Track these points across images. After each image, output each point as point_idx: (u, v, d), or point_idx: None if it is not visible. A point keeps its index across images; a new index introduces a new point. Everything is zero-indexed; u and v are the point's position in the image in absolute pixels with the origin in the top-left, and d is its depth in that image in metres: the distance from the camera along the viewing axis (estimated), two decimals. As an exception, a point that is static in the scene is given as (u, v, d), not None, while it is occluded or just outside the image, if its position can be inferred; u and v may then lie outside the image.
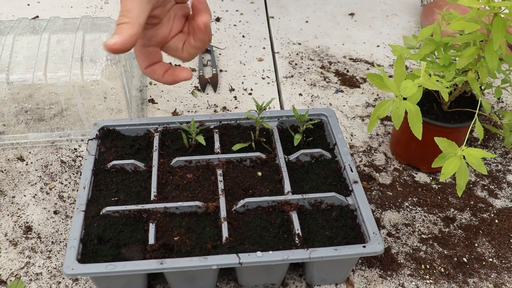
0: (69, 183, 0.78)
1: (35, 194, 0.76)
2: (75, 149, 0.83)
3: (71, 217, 0.73)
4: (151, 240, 0.60)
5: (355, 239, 0.61)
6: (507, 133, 0.80)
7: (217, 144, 0.72)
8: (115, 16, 1.11)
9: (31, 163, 0.80)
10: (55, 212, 0.73)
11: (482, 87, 0.78)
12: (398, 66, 0.67)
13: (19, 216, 0.73)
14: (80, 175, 0.79)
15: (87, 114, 0.85)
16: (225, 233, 0.60)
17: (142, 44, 0.71)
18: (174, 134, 0.74)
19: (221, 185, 0.66)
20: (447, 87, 0.69)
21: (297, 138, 0.72)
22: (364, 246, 0.59)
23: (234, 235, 0.61)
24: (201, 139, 0.71)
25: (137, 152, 0.73)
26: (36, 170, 0.79)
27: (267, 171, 0.69)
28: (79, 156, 0.82)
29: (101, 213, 0.63)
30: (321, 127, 0.76)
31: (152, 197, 0.65)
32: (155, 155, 0.70)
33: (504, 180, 0.81)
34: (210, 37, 0.68)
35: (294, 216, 0.62)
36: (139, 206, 0.63)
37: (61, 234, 0.71)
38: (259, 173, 0.69)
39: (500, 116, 0.88)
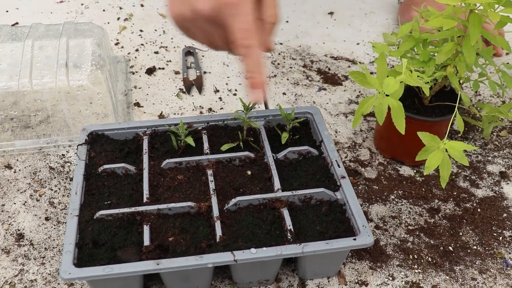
0: (59, 189, 0.78)
1: (25, 202, 0.76)
2: (63, 155, 0.83)
3: (63, 223, 0.73)
4: (146, 241, 0.61)
5: (345, 232, 0.63)
6: (485, 124, 0.83)
7: (206, 145, 0.73)
8: (96, 21, 1.12)
9: (19, 170, 0.81)
10: (47, 219, 0.74)
11: (461, 81, 0.80)
12: (380, 64, 0.69)
13: (10, 224, 0.73)
14: (70, 180, 0.79)
15: (73, 119, 0.85)
16: (218, 232, 0.61)
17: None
18: (163, 136, 0.75)
19: (212, 185, 0.67)
20: (428, 82, 0.72)
21: (284, 137, 0.74)
22: (354, 239, 0.60)
23: (227, 234, 0.62)
24: (190, 141, 0.72)
25: (127, 156, 0.73)
26: (25, 177, 0.79)
27: (257, 169, 0.71)
28: (68, 162, 0.82)
29: (94, 217, 0.64)
30: (306, 125, 0.78)
31: (145, 199, 0.66)
32: (145, 158, 0.71)
33: (484, 170, 0.83)
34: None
35: (286, 213, 0.64)
36: (132, 209, 0.64)
37: (54, 240, 0.71)
38: (249, 172, 0.70)
39: (479, 108, 0.91)
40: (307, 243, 0.60)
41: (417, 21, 0.82)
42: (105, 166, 0.70)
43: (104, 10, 1.17)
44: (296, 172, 0.71)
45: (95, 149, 0.73)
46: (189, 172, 0.70)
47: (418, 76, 0.70)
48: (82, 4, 1.18)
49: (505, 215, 0.77)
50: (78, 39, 0.88)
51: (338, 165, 0.69)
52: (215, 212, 0.63)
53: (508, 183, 0.81)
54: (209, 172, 0.69)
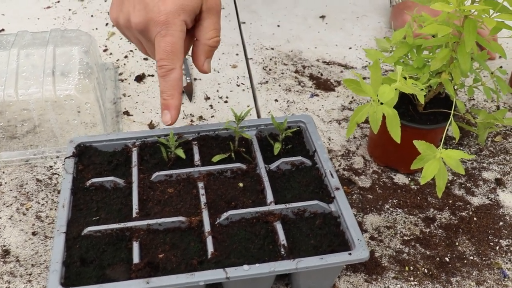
0: (46, 202, 0.76)
1: (11, 216, 0.74)
2: (50, 166, 0.81)
3: (51, 237, 0.71)
4: (136, 259, 0.59)
5: (340, 246, 0.62)
6: (481, 131, 0.82)
7: (196, 157, 0.71)
8: (83, 28, 1.10)
9: (5, 183, 0.78)
10: (34, 233, 0.72)
11: (455, 87, 0.79)
12: (374, 71, 0.68)
13: (-4, 239, 0.71)
14: (58, 193, 0.77)
15: (61, 129, 0.83)
16: (210, 248, 0.60)
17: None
18: (152, 148, 0.73)
19: (203, 199, 0.65)
20: (422, 89, 0.70)
21: (277, 147, 0.72)
22: (349, 253, 0.59)
23: (219, 249, 0.60)
24: (180, 153, 0.70)
25: (116, 168, 0.71)
26: (11, 190, 0.77)
27: (249, 181, 0.69)
28: (55, 174, 0.80)
29: (82, 234, 0.62)
30: (299, 134, 0.77)
31: (134, 214, 0.64)
32: (135, 170, 0.69)
33: (480, 178, 0.82)
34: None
35: (279, 227, 0.62)
36: (121, 225, 0.62)
37: (41, 256, 0.69)
38: (241, 184, 0.68)
39: (474, 114, 0.89)
40: (301, 258, 0.58)
41: (410, 26, 0.81)
42: (93, 180, 0.68)
43: (92, 16, 1.14)
44: (289, 184, 0.69)
45: (82, 162, 0.72)
46: (180, 185, 0.68)
47: (412, 83, 0.68)
48: (69, 10, 1.16)
49: (501, 223, 0.75)
50: (65, 47, 0.86)
51: (332, 176, 0.67)
52: (207, 227, 0.62)
53: (504, 190, 0.80)
54: (200, 184, 0.67)
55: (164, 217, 0.64)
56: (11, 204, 0.75)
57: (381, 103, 0.66)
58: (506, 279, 0.68)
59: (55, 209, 0.75)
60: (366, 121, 0.92)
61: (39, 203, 0.76)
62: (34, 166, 0.81)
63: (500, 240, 0.73)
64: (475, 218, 0.76)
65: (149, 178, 0.69)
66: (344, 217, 0.63)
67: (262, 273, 0.57)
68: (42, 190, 0.77)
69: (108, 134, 0.75)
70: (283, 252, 0.60)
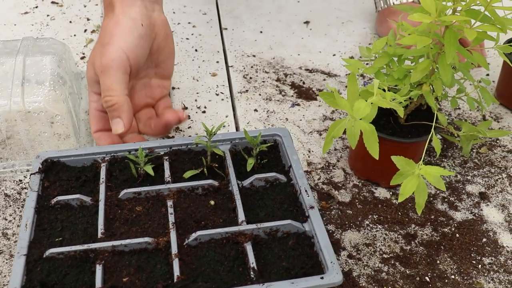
0: (14, 218, 0.73)
1: (-24, 233, 0.71)
2: (20, 180, 0.79)
3: (16, 257, 0.68)
4: (98, 283, 0.56)
5: (313, 268, 0.59)
6: (465, 143, 0.80)
7: (167, 173, 0.68)
8: (61, 34, 1.07)
9: (-28, 198, 0.76)
10: (-2, 252, 0.69)
11: (439, 98, 0.77)
12: (351, 84, 0.65)
13: (-41, 259, 0.68)
14: (25, 209, 0.74)
15: (32, 142, 0.81)
16: (176, 271, 0.57)
17: (96, 107, 0.73)
18: (122, 163, 0.71)
19: (171, 218, 0.63)
20: (402, 102, 0.68)
21: (250, 163, 0.69)
22: (322, 277, 0.56)
23: (186, 272, 0.58)
24: (149, 170, 0.67)
25: (83, 185, 0.69)
26: (-22, 206, 0.75)
27: (220, 199, 0.66)
28: (25, 188, 0.77)
29: (44, 256, 0.59)
30: (275, 148, 0.74)
31: (99, 235, 0.61)
32: (102, 187, 0.66)
33: (463, 191, 0.80)
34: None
35: (249, 248, 0.59)
36: (85, 246, 0.60)
37: (5, 276, 0.66)
38: (212, 202, 0.66)
39: (457, 126, 0.87)
40: (271, 283, 0.55)
41: (393, 34, 0.79)
42: (59, 198, 0.65)
43: (71, 22, 1.12)
44: (262, 201, 0.66)
45: (49, 178, 0.69)
46: (148, 203, 0.66)
47: (393, 98, 0.66)
48: (48, 16, 1.13)
49: (484, 240, 0.73)
50: (37, 56, 0.83)
51: (307, 194, 0.65)
52: (174, 248, 0.59)
53: (488, 205, 0.78)
54: (169, 203, 0.65)
55: (131, 237, 0.61)
56: (-24, 221, 0.73)
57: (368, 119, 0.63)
58: (488, 300, 0.66)
59: (22, 226, 0.72)
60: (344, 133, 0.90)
61: (6, 219, 0.73)
62: (3, 180, 0.79)
63: (483, 258, 0.71)
64: (457, 235, 0.73)
65: (117, 195, 0.66)
66: (318, 238, 0.60)
67: (228, 299, 0.55)
68: (10, 206, 0.75)
69: (77, 149, 0.72)
70: (252, 276, 0.57)
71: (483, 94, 0.78)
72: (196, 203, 0.65)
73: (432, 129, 0.69)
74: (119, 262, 0.59)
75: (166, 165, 0.69)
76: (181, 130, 0.87)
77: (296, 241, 0.62)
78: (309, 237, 0.62)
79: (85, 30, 1.10)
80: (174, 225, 0.62)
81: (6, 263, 0.68)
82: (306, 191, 0.65)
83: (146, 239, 0.60)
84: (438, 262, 0.70)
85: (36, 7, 1.15)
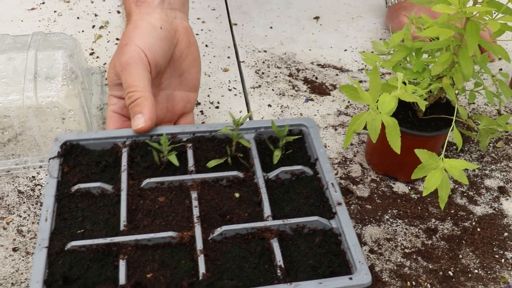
0: (28, 215, 0.72)
1: (-9, 230, 0.70)
2: (33, 177, 0.77)
3: (33, 254, 0.67)
4: (122, 279, 0.55)
5: (340, 267, 0.58)
6: (483, 137, 0.79)
7: (190, 162, 0.67)
8: (69, 30, 1.05)
9: (-15, 195, 0.74)
10: (14, 249, 0.67)
11: (457, 92, 0.76)
12: (373, 77, 0.64)
13: (-26, 256, 0.67)
14: (41, 205, 0.73)
15: (44, 137, 0.79)
16: (202, 269, 0.56)
17: (114, 109, 0.71)
18: (144, 148, 0.69)
19: (196, 211, 0.61)
20: (423, 95, 0.67)
21: (277, 155, 0.68)
22: (350, 278, 0.55)
23: (211, 269, 0.57)
24: (174, 159, 0.66)
25: (104, 170, 0.67)
26: (-9, 203, 0.73)
27: (245, 191, 0.65)
28: (38, 185, 0.76)
29: (66, 248, 0.58)
30: (301, 138, 0.72)
31: (122, 227, 0.60)
32: (124, 176, 0.65)
33: (482, 185, 0.79)
34: None
35: (276, 246, 0.58)
36: (108, 240, 0.58)
37: (22, 273, 0.65)
38: (237, 195, 0.64)
39: (474, 120, 0.86)
40: (299, 282, 0.54)
41: (408, 28, 0.78)
42: (79, 186, 0.64)
43: (78, 18, 1.10)
44: (288, 195, 0.65)
45: (68, 163, 0.67)
46: (171, 193, 0.64)
47: (413, 89, 0.65)
48: (55, 12, 1.12)
49: (506, 234, 0.72)
50: (48, 51, 0.82)
51: (335, 190, 0.63)
52: (199, 244, 0.58)
53: (507, 199, 0.77)
54: (194, 195, 0.63)
55: (154, 231, 0.60)
56: (-10, 218, 0.71)
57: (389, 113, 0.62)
58: (512, 294, 0.65)
59: (38, 222, 0.71)
60: (364, 127, 0.89)
61: (20, 216, 0.72)
62: (16, 176, 0.77)
63: (506, 252, 0.70)
64: (478, 229, 0.73)
65: (139, 185, 0.65)
66: (346, 236, 0.59)
67: (257, 300, 0.54)
68: (24, 203, 0.73)
69: (97, 132, 0.70)
70: (279, 274, 0.56)
71: (502, 88, 0.77)
72: (220, 195, 0.64)
73: (453, 123, 0.68)
74: (142, 256, 0.58)
75: (190, 153, 0.68)
76: (195, 126, 0.86)
77: (322, 238, 0.60)
78: (335, 234, 0.61)
79: (93, 26, 1.08)
80: (199, 219, 0.60)
81: (22, 260, 0.67)
82: (333, 186, 0.64)
83: (171, 233, 0.59)
84: (460, 256, 0.69)
85: (43, 3, 1.13)
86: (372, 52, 1.06)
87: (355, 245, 0.58)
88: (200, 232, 0.59)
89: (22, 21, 1.09)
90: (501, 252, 0.70)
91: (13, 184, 0.76)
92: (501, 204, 0.76)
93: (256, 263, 0.58)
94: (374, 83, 0.64)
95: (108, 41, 1.04)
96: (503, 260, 0.69)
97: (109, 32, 1.07)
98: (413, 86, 0.65)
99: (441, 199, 0.64)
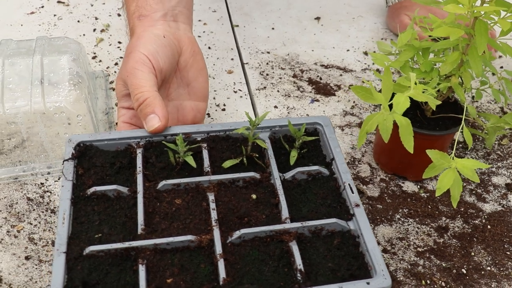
0: (39, 222, 0.71)
1: (2, 239, 0.69)
2: (41, 183, 0.77)
3: (45, 261, 0.66)
4: (142, 285, 0.55)
5: (359, 270, 0.58)
6: (491, 135, 0.80)
7: (206, 162, 0.67)
8: (70, 34, 1.05)
9: (-6, 202, 0.74)
10: (27, 258, 0.67)
11: (464, 91, 0.77)
12: (386, 78, 0.64)
13: (-14, 265, 0.66)
14: (51, 212, 0.72)
15: (51, 143, 0.79)
16: (222, 273, 0.56)
17: (124, 120, 0.72)
18: (158, 148, 0.68)
19: (214, 214, 0.61)
20: (433, 94, 0.67)
21: (293, 156, 0.68)
22: (368, 283, 0.55)
23: (231, 273, 0.56)
24: (191, 161, 0.65)
25: (119, 172, 0.67)
26: (0, 211, 0.72)
27: (262, 192, 0.65)
28: (47, 191, 0.75)
29: (84, 253, 0.57)
30: (315, 135, 0.73)
31: (140, 231, 0.60)
32: (140, 178, 0.64)
33: (490, 183, 0.80)
34: None
35: (295, 248, 0.58)
36: (126, 244, 0.58)
37: (36, 282, 0.64)
38: (254, 196, 0.64)
39: (482, 118, 0.87)
40: (320, 286, 0.54)
41: (412, 28, 0.78)
42: (95, 189, 0.63)
43: (78, 21, 1.10)
44: (305, 195, 0.65)
45: (83, 165, 0.67)
46: (188, 195, 0.64)
47: (423, 89, 0.65)
48: (55, 15, 1.11)
49: (516, 231, 0.73)
50: (53, 56, 0.81)
51: (352, 191, 0.64)
52: (218, 248, 0.58)
53: (515, 196, 0.78)
54: (211, 197, 0.63)
55: (172, 234, 0.59)
56: (0, 226, 0.70)
57: (393, 111, 0.63)
58: (525, 290, 0.66)
59: (49, 230, 0.70)
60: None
61: (31, 224, 0.71)
62: (24, 183, 0.77)
63: (516, 249, 0.71)
64: (489, 226, 0.73)
65: (155, 186, 0.64)
66: (365, 239, 0.59)
67: (279, 305, 0.54)
68: (33, 210, 0.73)
69: (110, 132, 0.70)
70: (299, 278, 0.56)
71: (507, 85, 0.78)
72: (237, 196, 0.64)
73: (462, 121, 0.68)
74: (162, 261, 0.58)
75: (205, 153, 0.67)
76: (202, 128, 0.86)
77: (341, 240, 0.60)
78: (353, 236, 0.61)
79: (94, 30, 1.08)
80: (217, 222, 0.60)
81: (36, 268, 0.66)
82: (350, 187, 0.64)
83: (189, 237, 0.58)
84: (472, 254, 0.70)
85: (42, 7, 1.13)
86: (375, 51, 1.07)
87: (374, 248, 0.58)
88: (218, 236, 0.59)
89: (22, 25, 1.08)
90: (513, 249, 0.71)
91: (21, 191, 0.75)
92: (509, 201, 0.77)
93: (276, 266, 0.58)
94: (387, 84, 0.64)
95: (110, 45, 1.04)
96: (514, 256, 0.70)
97: (111, 35, 1.06)
98: (423, 86, 0.65)
99: (453, 198, 0.64)
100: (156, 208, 0.63)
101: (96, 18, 1.11)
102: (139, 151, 0.68)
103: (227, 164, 0.68)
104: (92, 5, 1.14)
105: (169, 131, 0.69)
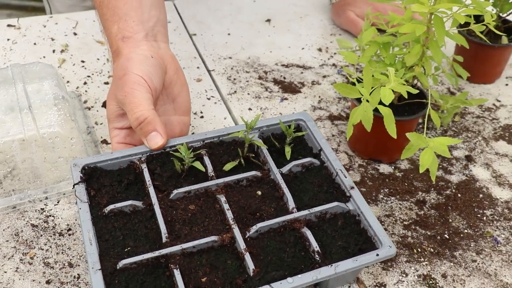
0: (50, 247, 0.73)
1: (17, 267, 0.70)
2: (41, 209, 0.78)
3: (67, 283, 0.68)
4: (181, 286, 0.59)
5: (366, 244, 0.65)
6: (449, 114, 0.90)
7: (209, 167, 0.72)
8: (29, 58, 1.04)
9: (-2, 233, 0.74)
10: (48, 282, 0.69)
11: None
12: (366, 73, 0.72)
13: (7, 295, 0.67)
14: (59, 235, 0.74)
15: (45, 168, 0.80)
16: (251, 265, 0.61)
17: (118, 140, 0.75)
18: (160, 159, 0.73)
19: (229, 214, 0.66)
20: (404, 84, 0.76)
21: (288, 151, 0.75)
22: (377, 255, 0.63)
23: (257, 264, 0.62)
24: (199, 165, 0.70)
25: (128, 188, 0.70)
26: (7, 241, 0.73)
27: (265, 188, 0.71)
28: (50, 216, 0.77)
29: (118, 268, 0.61)
30: (300, 131, 0.79)
31: (164, 239, 0.64)
32: (151, 190, 0.68)
33: (452, 156, 0.90)
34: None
35: (309, 233, 0.65)
36: (156, 253, 0.62)
37: (63, 303, 0.67)
38: (259, 192, 0.70)
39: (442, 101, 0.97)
40: (337, 263, 0.61)
41: (370, 25, 0.87)
42: (112, 206, 0.67)
43: (35, 44, 1.09)
44: (303, 186, 0.72)
45: (93, 186, 0.70)
46: (200, 200, 0.69)
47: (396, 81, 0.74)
48: (8, 39, 1.10)
49: (481, 195, 0.83)
50: (35, 82, 0.82)
51: (345, 176, 0.71)
52: (241, 244, 0.63)
53: (475, 165, 0.88)
54: (222, 199, 0.68)
55: (196, 238, 0.64)
56: (12, 256, 0.71)
57: (377, 103, 0.71)
58: (499, 245, 0.76)
59: (62, 252, 0.72)
60: (339, 118, 0.97)
61: (42, 249, 0.73)
62: (24, 211, 0.77)
63: (485, 211, 0.81)
64: (459, 195, 0.83)
65: (168, 196, 0.68)
66: (365, 216, 0.66)
67: (306, 283, 0.60)
68: (41, 236, 0.74)
69: (112, 153, 0.73)
70: (317, 258, 0.62)
71: (458, 69, 0.89)
72: (244, 195, 0.69)
73: (429, 105, 0.78)
74: (191, 263, 0.62)
75: (207, 159, 0.73)
76: (187, 137, 0.90)
77: (344, 220, 0.68)
78: (353, 215, 0.68)
79: (54, 51, 1.08)
80: (235, 221, 0.66)
81: (58, 290, 0.68)
82: (342, 172, 0.71)
83: (212, 238, 0.63)
84: (450, 220, 0.79)
85: (-6, 32, 1.11)
86: (327, 48, 1.15)
87: (375, 222, 0.65)
88: (239, 233, 0.64)
89: (-24, 53, 1.06)
90: (481, 211, 0.81)
91: (23, 219, 0.76)
92: (471, 170, 0.88)
93: (293, 252, 0.64)
94: (367, 78, 0.72)
95: (73, 64, 1.05)
96: (484, 218, 0.80)
97: (72, 55, 1.07)
98: (396, 77, 0.73)
99: (432, 173, 0.73)
100: (173, 216, 0.67)
101: (52, 39, 1.11)
102: (143, 166, 0.71)
103: (228, 166, 0.73)
104: (45, 26, 1.14)
105: (170, 143, 0.74)
